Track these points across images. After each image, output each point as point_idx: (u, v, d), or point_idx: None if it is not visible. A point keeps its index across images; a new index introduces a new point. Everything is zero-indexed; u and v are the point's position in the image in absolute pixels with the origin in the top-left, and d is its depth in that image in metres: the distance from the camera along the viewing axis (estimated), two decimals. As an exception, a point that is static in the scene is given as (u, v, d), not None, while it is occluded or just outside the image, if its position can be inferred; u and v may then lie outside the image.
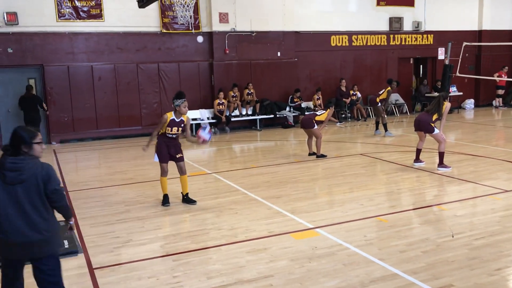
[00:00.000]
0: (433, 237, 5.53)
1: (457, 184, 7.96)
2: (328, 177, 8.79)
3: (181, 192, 7.33)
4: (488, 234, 5.54)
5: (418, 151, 9.38)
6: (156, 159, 7.13)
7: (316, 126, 10.38)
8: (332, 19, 16.94)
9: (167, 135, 7.03)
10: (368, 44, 17.63)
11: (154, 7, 13.97)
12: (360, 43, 17.48)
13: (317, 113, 10.71)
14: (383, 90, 13.41)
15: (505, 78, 18.80)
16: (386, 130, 13.33)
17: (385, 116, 13.60)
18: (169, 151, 7.08)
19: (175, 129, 7.01)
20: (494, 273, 4.56)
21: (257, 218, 6.45)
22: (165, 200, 7.21)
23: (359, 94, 17.07)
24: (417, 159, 9.38)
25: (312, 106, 16.28)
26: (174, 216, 6.76)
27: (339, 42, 17.18)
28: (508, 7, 20.11)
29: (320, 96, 16.40)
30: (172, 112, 6.99)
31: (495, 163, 9.50)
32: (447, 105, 9.01)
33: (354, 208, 6.75)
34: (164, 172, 7.14)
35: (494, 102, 19.76)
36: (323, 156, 10.44)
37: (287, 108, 16.13)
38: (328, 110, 10.74)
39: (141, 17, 14.09)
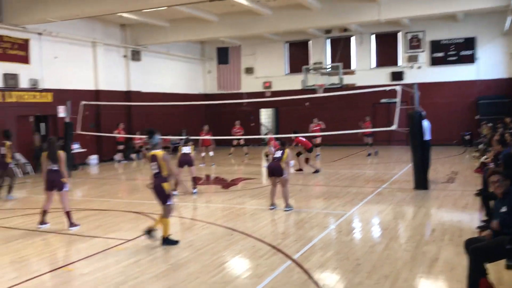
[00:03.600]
0: (60, 302, 5.34)
1: (84, 241, 8.00)
2: None
3: None
4: (113, 287, 5.75)
5: (44, 213, 9.01)
6: None
7: None
8: None
9: None
10: (-19, 100, 16.09)
11: None
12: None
13: None
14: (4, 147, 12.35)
15: (123, 135, 20.50)
16: (8, 193, 12.31)
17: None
18: None
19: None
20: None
21: None
22: None
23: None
24: (42, 221, 8.98)
25: None
26: None
27: None
28: (119, 71, 22.20)
29: None
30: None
31: (118, 215, 10.07)
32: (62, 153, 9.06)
33: (-33, 290, 5.85)
34: None
35: (115, 157, 21.13)
36: None
37: None
38: None
39: None
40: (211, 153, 18.81)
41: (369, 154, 19.94)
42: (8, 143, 12.40)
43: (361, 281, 5.76)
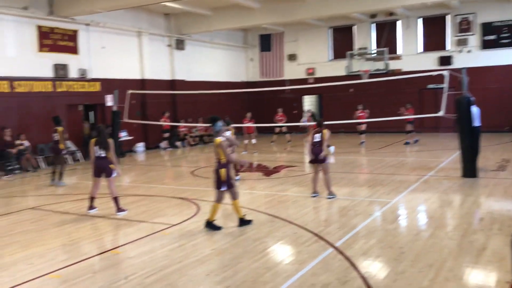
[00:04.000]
0: (106, 284, 5.54)
1: (131, 226, 8.25)
2: (-8, 239, 7.78)
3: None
4: (158, 270, 5.92)
5: (92, 199, 9.34)
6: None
7: None
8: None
9: None
10: (33, 90, 16.75)
11: None
12: (23, 89, 16.43)
13: None
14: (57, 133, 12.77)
15: (168, 123, 20.89)
16: (59, 179, 12.83)
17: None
18: None
19: None
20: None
21: None
22: None
23: (27, 143, 15.91)
24: (91, 207, 9.32)
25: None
26: None
27: (-1, 88, 15.76)
28: (164, 61, 22.56)
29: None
30: None
31: (164, 200, 10.32)
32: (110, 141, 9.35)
33: (22, 270, 6.15)
34: None
35: (161, 144, 21.58)
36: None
37: None
38: None
39: None
40: (253, 141, 18.87)
41: (415, 141, 19.44)
42: (60, 128, 12.77)
43: (404, 269, 5.67)
